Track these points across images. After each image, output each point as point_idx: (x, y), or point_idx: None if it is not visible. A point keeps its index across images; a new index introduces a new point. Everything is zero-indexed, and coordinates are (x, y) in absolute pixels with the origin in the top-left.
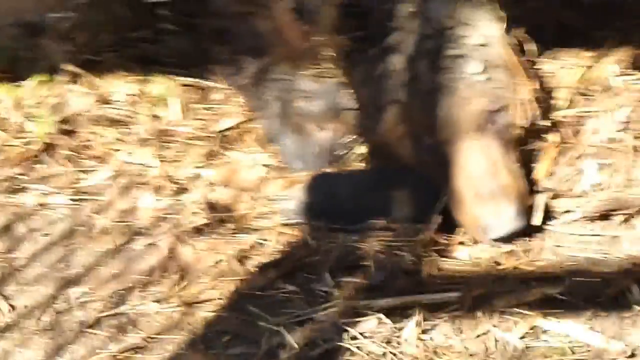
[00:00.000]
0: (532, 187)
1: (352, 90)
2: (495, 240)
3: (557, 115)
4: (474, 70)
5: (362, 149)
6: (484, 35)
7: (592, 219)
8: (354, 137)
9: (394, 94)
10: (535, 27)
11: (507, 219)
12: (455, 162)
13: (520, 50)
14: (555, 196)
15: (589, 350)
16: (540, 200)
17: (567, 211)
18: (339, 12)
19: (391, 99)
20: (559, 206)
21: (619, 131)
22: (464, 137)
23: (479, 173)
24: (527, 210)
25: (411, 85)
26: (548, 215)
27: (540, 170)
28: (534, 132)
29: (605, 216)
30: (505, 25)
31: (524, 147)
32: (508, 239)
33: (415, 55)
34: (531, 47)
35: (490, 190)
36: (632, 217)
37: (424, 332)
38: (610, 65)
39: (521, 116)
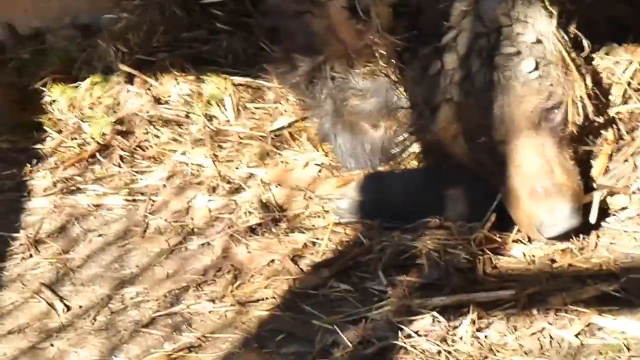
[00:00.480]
0: (587, 185)
1: (405, 89)
2: (550, 238)
3: (611, 111)
4: (528, 68)
5: (416, 148)
6: (537, 32)
7: None
8: (408, 135)
9: (448, 93)
10: (589, 22)
11: (562, 217)
12: (510, 161)
13: (574, 46)
14: (611, 193)
15: None
16: (595, 198)
17: (623, 208)
18: (392, 11)
19: (444, 97)
20: (614, 203)
21: None
22: (519, 135)
23: (534, 171)
24: (582, 208)
25: (465, 84)
26: (603, 212)
27: (595, 167)
28: (589, 129)
29: None
30: (558, 21)
31: (579, 144)
32: (563, 237)
33: (468, 53)
34: (585, 43)
35: (545, 189)
36: None
37: (478, 330)
38: None
39: (575, 113)
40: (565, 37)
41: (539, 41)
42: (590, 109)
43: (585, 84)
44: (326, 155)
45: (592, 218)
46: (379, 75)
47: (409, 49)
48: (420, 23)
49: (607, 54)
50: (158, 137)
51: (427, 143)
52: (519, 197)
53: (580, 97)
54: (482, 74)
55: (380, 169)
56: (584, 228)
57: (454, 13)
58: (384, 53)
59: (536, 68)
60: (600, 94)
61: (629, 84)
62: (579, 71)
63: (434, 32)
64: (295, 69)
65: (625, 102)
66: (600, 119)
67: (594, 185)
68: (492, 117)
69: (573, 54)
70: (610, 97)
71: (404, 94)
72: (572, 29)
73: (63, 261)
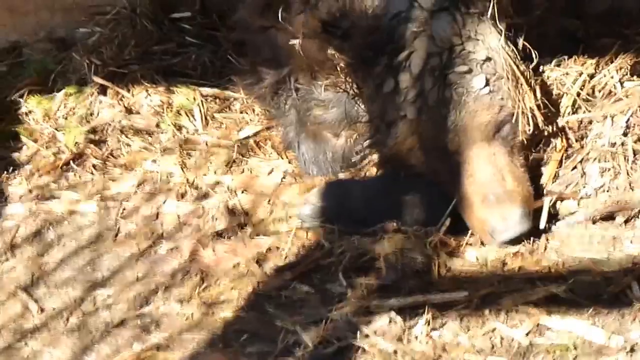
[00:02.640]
0: (538, 191)
1: (364, 105)
2: (503, 243)
3: (561, 121)
4: (480, 84)
5: (375, 156)
6: (488, 49)
7: (595, 220)
8: (367, 145)
9: (402, 110)
10: (540, 35)
11: (513, 223)
12: (463, 170)
13: (524, 58)
14: (560, 199)
15: (590, 346)
16: (545, 203)
17: (571, 213)
18: (321, 26)
19: (399, 114)
20: (563, 208)
21: (620, 135)
22: (472, 146)
23: (486, 180)
24: (532, 213)
25: (418, 101)
26: (553, 217)
27: (545, 174)
28: (539, 138)
29: (607, 217)
30: (507, 35)
31: (529, 152)
32: (515, 241)
33: (421, 72)
34: (534, 54)
35: (496, 196)
36: (633, 218)
37: (433, 329)
38: (612, 72)
39: (525, 123)
40: (515, 51)
41: (489, 58)
42: (539, 118)
43: (535, 96)
44: (290, 163)
45: (542, 223)
46: (340, 87)
47: (364, 67)
48: (375, 41)
49: (557, 65)
50: (129, 145)
51: (385, 156)
52: (472, 204)
53: (530, 108)
54: (435, 91)
55: (341, 176)
56: (534, 232)
57: (405, 33)
58: (344, 67)
59: (487, 84)
60: (550, 104)
61: (578, 94)
62: (528, 83)
63: (386, 51)
64: (261, 81)
65: (574, 112)
66: (550, 128)
67: (544, 191)
68: (445, 131)
69: (522, 67)
70: (560, 107)
71: (363, 107)
72: (522, 41)
73: (38, 264)
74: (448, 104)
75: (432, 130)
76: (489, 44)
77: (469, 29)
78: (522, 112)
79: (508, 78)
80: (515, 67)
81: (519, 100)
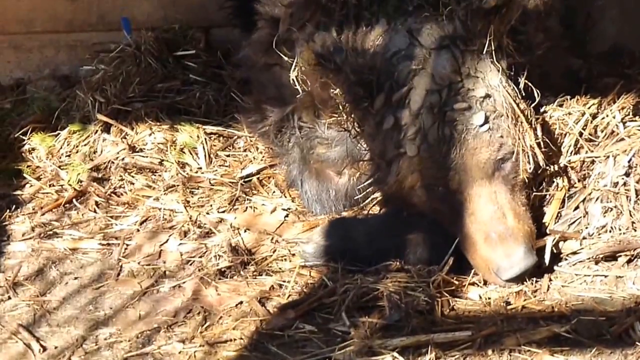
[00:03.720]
0: (540, 230)
1: (365, 143)
2: (507, 280)
3: (563, 160)
4: (479, 121)
5: (378, 195)
6: (487, 86)
7: (597, 260)
8: (368, 183)
9: (402, 147)
10: (543, 75)
11: (517, 260)
12: (464, 209)
13: (525, 96)
14: (563, 238)
15: None
16: (548, 243)
17: (574, 252)
18: (315, 59)
19: (399, 152)
20: (566, 248)
21: (623, 176)
22: (473, 185)
23: (488, 218)
24: (535, 248)
25: (418, 138)
26: (555, 256)
27: (548, 213)
28: (542, 177)
29: (610, 257)
30: (507, 74)
31: (533, 191)
32: (519, 277)
33: (420, 109)
34: (536, 93)
35: (499, 234)
36: (636, 258)
37: None
38: (614, 112)
39: (526, 162)
40: (515, 89)
41: (488, 95)
42: (540, 157)
43: (536, 134)
44: (293, 201)
45: (545, 262)
46: (344, 125)
47: (365, 105)
48: (376, 79)
49: (560, 105)
50: (132, 183)
51: (386, 195)
52: (475, 243)
53: (531, 146)
54: (434, 128)
55: (344, 214)
56: (537, 272)
57: (405, 71)
58: (346, 105)
59: (486, 121)
60: (552, 143)
61: (580, 134)
62: (528, 122)
63: (385, 88)
64: (265, 119)
65: (577, 152)
66: (553, 168)
67: (547, 231)
68: (446, 169)
69: (523, 105)
70: (562, 147)
71: (364, 145)
72: (523, 80)
73: (40, 303)
74: (448, 142)
75: (432, 168)
76: (488, 82)
77: (469, 67)
78: (523, 150)
79: (508, 116)
80: (515, 105)
81: (519, 139)
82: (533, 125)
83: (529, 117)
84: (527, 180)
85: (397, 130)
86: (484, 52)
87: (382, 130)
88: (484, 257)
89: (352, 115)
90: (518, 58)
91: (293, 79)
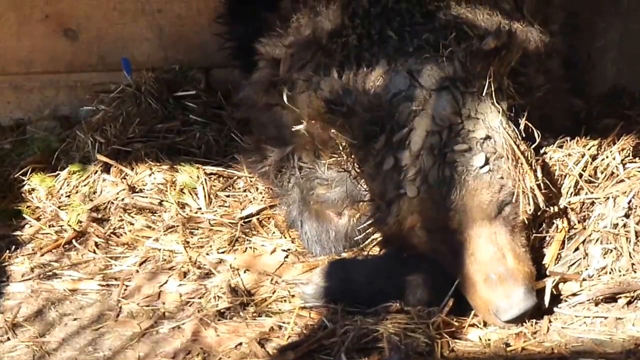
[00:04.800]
0: (540, 271)
1: (365, 183)
2: (507, 321)
3: (563, 202)
4: (479, 163)
5: (377, 236)
6: (488, 127)
7: (597, 302)
8: (368, 223)
9: (402, 188)
10: (542, 116)
11: (516, 301)
12: (464, 250)
13: (526, 137)
14: (563, 280)
15: None
16: (548, 284)
17: (574, 294)
18: (324, 106)
19: (399, 192)
20: (566, 289)
21: (622, 217)
22: (472, 226)
23: (488, 259)
24: (535, 289)
25: (418, 179)
26: (555, 298)
27: (548, 255)
28: (542, 218)
29: (609, 299)
30: (508, 115)
31: (533, 232)
32: (519, 319)
33: (420, 150)
34: (536, 134)
35: (498, 275)
36: (636, 300)
37: None
38: (614, 153)
39: (526, 203)
40: (516, 130)
41: (489, 137)
42: (540, 199)
43: (536, 175)
44: (293, 242)
45: (545, 303)
46: (344, 166)
47: (365, 145)
48: (376, 119)
49: (560, 146)
50: (132, 224)
51: (386, 235)
52: (474, 284)
53: (531, 187)
54: (435, 169)
55: (344, 255)
56: (537, 313)
57: (405, 111)
58: (347, 146)
59: (487, 163)
60: (552, 184)
61: (580, 175)
62: (529, 163)
63: (386, 129)
64: (265, 159)
65: (577, 193)
66: (552, 209)
67: (547, 272)
68: (446, 210)
69: (523, 147)
70: (562, 188)
71: (364, 186)
72: (523, 121)
73: (39, 344)
74: (448, 183)
75: (432, 209)
76: (489, 123)
77: (469, 108)
78: (523, 192)
79: (508, 157)
80: (515, 147)
81: (520, 180)
82: (533, 167)
83: (529, 158)
84: (527, 222)
85: (397, 171)
86: (484, 94)
87: (382, 170)
88: (484, 298)
89: (353, 156)
90: (518, 99)
91: (304, 131)
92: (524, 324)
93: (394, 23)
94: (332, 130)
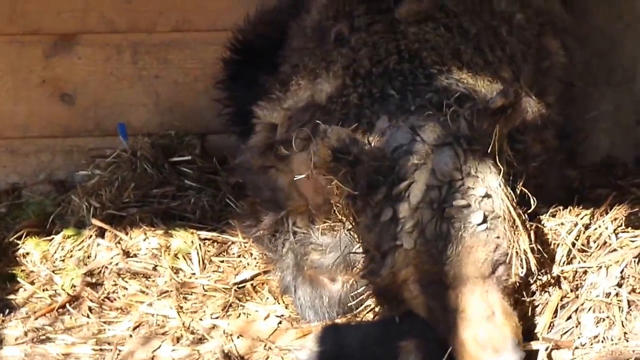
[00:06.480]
0: (533, 338)
1: (359, 236)
2: None
3: (556, 270)
4: (477, 220)
5: (372, 301)
6: (487, 187)
7: None
8: (363, 287)
9: (398, 240)
10: (537, 186)
11: (506, 355)
12: (456, 306)
13: (520, 202)
14: (555, 347)
15: None
16: (541, 351)
17: None
18: (331, 155)
19: (395, 244)
20: (558, 357)
21: (615, 286)
22: (467, 283)
23: (479, 317)
24: (522, 344)
25: (415, 232)
26: None
27: (541, 323)
28: (535, 287)
29: None
30: (505, 179)
31: (527, 299)
32: None
33: (419, 204)
34: (532, 200)
35: (488, 332)
36: None
37: None
38: (607, 223)
39: (519, 266)
40: (512, 194)
41: (488, 195)
42: (533, 262)
43: (530, 239)
44: (287, 307)
45: None
46: (338, 230)
47: (364, 197)
48: (376, 171)
49: (553, 215)
50: (126, 288)
51: (378, 288)
52: (463, 342)
53: (524, 250)
54: (433, 223)
55: (338, 321)
56: None
57: (406, 165)
58: (342, 203)
59: (484, 221)
60: (545, 253)
61: (573, 244)
62: (524, 226)
63: (386, 181)
64: (259, 223)
65: (569, 262)
66: (545, 278)
67: (540, 339)
68: (441, 264)
69: (519, 210)
70: (555, 257)
71: (358, 239)
72: (520, 186)
73: None
74: (445, 237)
75: (427, 263)
76: (488, 183)
77: (470, 166)
78: (517, 253)
79: (505, 218)
80: (512, 208)
81: (514, 241)
82: (528, 230)
83: (525, 221)
84: (517, 285)
85: (395, 223)
86: (486, 154)
87: (379, 222)
88: (473, 356)
89: (349, 209)
90: (516, 165)
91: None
92: None
93: (396, 82)
94: (334, 182)
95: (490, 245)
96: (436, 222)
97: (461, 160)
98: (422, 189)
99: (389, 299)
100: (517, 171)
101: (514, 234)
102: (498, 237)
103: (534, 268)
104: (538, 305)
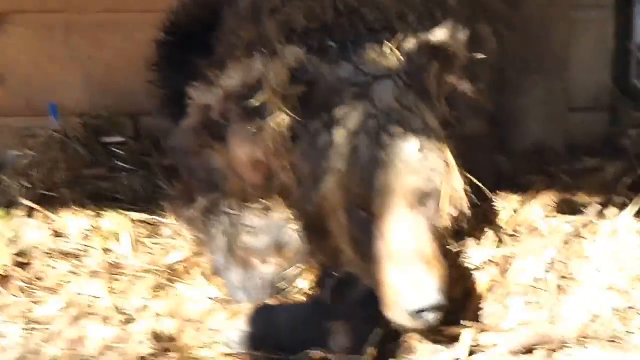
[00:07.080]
0: (460, 323)
1: (293, 167)
2: (411, 314)
3: (486, 255)
4: (412, 148)
5: (303, 284)
6: (424, 122)
7: (517, 353)
8: (294, 203)
9: (333, 164)
10: (466, 171)
11: (427, 294)
12: (382, 235)
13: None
14: (483, 331)
15: None
16: (467, 335)
17: (493, 345)
18: (289, 74)
19: (329, 167)
20: (485, 341)
21: (544, 271)
22: (395, 211)
23: (403, 245)
24: (448, 293)
25: (350, 157)
26: (475, 349)
27: (469, 308)
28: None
29: (529, 351)
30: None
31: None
32: (425, 320)
33: (357, 130)
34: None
35: (412, 263)
36: (555, 351)
37: None
38: (536, 209)
39: (451, 205)
40: (448, 140)
41: (424, 129)
42: (465, 204)
43: (463, 181)
44: (218, 289)
45: (464, 354)
46: (271, 212)
47: (301, 124)
48: (314, 96)
49: (483, 200)
50: (56, 269)
51: (308, 219)
52: (384, 270)
53: (458, 191)
54: (367, 148)
55: (269, 302)
56: None
57: (347, 94)
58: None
59: (419, 150)
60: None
61: (503, 229)
62: (459, 171)
63: (325, 108)
64: (192, 205)
65: (499, 247)
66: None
67: (466, 324)
68: (372, 190)
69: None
70: (485, 241)
71: (293, 170)
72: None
73: None
74: (378, 163)
75: (358, 187)
76: (427, 120)
77: (409, 99)
78: (449, 192)
79: (439, 156)
80: (447, 150)
81: (447, 181)
82: (462, 172)
83: (459, 169)
84: (449, 228)
85: (331, 148)
86: (426, 91)
87: (316, 147)
88: (392, 286)
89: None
90: (452, 123)
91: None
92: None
93: (336, 34)
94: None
95: (422, 174)
96: (371, 148)
97: (401, 93)
98: (360, 117)
99: (318, 234)
100: (452, 130)
101: (448, 173)
102: (432, 170)
103: (466, 211)
104: (467, 290)
